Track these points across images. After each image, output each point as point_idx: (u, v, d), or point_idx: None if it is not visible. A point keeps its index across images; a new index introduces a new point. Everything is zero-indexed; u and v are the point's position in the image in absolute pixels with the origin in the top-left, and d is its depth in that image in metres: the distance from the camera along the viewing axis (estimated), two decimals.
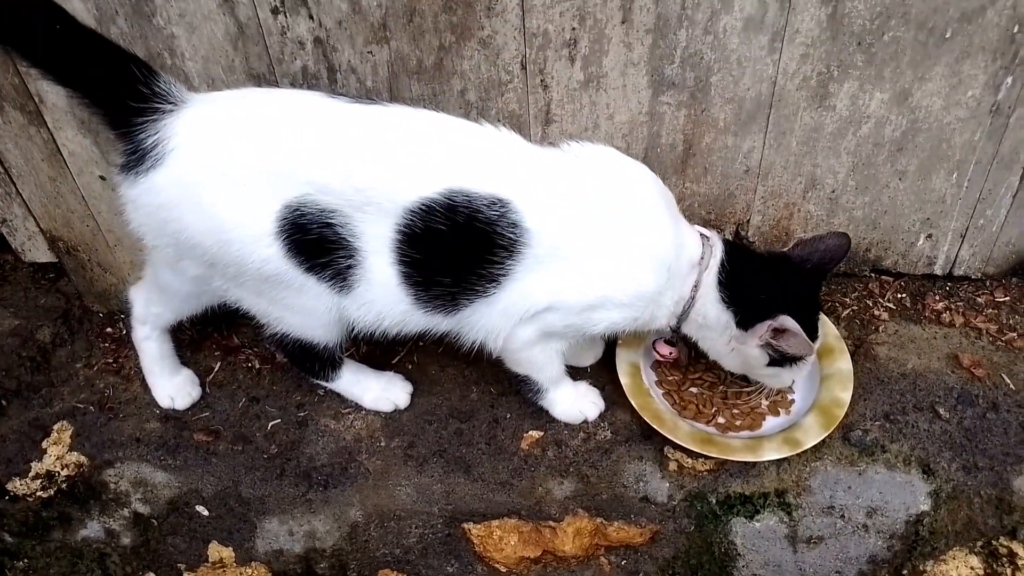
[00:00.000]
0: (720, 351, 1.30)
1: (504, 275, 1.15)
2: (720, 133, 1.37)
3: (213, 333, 1.58)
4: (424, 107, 1.34)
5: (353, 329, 1.25)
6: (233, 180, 1.09)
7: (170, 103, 1.10)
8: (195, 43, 1.26)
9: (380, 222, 1.11)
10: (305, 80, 1.31)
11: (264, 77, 1.31)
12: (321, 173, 1.09)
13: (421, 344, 1.33)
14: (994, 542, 1.34)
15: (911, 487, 1.34)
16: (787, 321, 1.16)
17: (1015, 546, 1.31)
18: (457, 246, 1.12)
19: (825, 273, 1.28)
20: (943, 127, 1.33)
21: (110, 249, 1.52)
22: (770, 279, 1.24)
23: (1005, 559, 1.35)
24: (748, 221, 1.50)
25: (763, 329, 1.20)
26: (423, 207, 1.09)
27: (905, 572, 1.36)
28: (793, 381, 1.36)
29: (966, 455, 1.34)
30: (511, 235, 1.11)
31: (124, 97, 1.08)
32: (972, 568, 1.34)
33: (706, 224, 1.51)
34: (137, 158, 1.10)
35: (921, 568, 1.35)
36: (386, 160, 1.11)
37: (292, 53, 1.28)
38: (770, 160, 1.40)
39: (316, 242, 1.12)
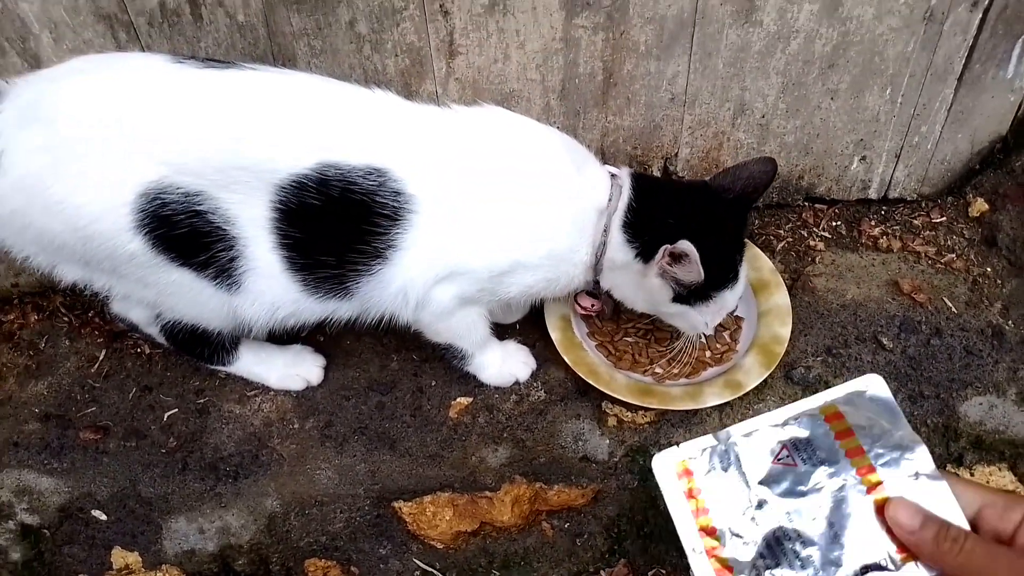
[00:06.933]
0: (628, 293, 1.20)
1: (392, 247, 1.05)
2: (642, 58, 1.25)
3: (94, 318, 1.40)
4: (308, 42, 1.19)
5: (251, 330, 1.15)
6: (78, 169, 0.96)
7: None
8: None
9: (253, 202, 1.00)
10: (165, 18, 1.13)
11: (115, 17, 1.13)
12: (173, 150, 0.96)
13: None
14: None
15: None
16: (683, 244, 1.05)
17: (962, 472, 1.28)
18: (335, 222, 1.02)
19: (749, 203, 1.17)
20: (875, 39, 1.25)
21: None
22: (676, 208, 1.12)
23: None
24: (676, 154, 1.40)
25: (660, 255, 1.09)
26: (294, 184, 0.99)
27: None
28: (707, 324, 1.22)
29: (911, 384, 1.30)
30: (394, 203, 1.01)
31: None
32: None
33: (632, 160, 1.41)
34: None
35: None
36: (247, 133, 0.98)
37: None
38: (696, 86, 1.29)
39: (189, 236, 1.00)
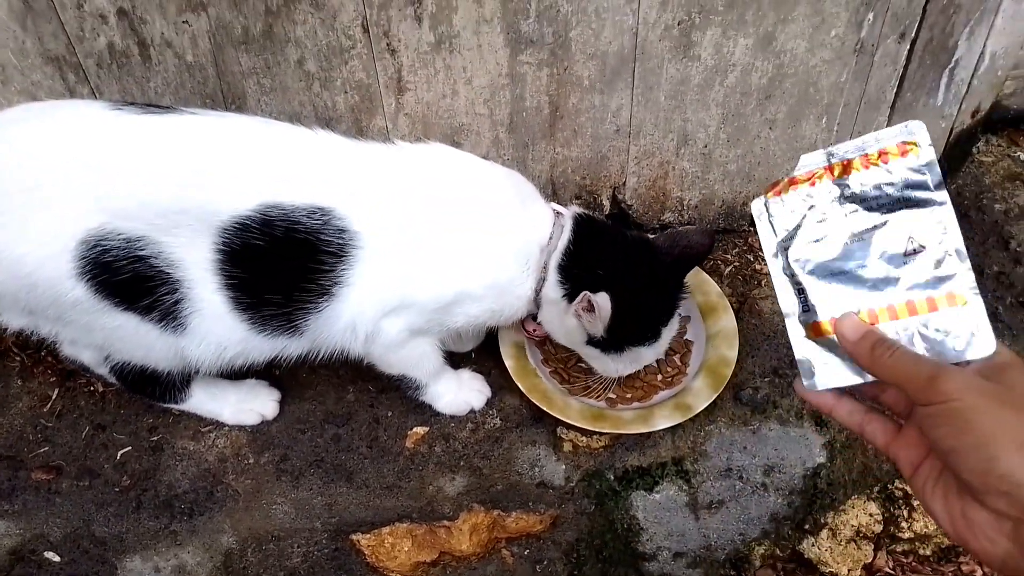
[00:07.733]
0: (553, 327, 1.22)
1: (339, 283, 1.06)
2: (586, 92, 1.29)
3: (47, 357, 1.39)
4: (258, 80, 1.21)
5: (198, 370, 1.15)
6: (19, 217, 0.96)
7: None
8: None
9: (197, 245, 1.01)
10: (114, 59, 1.15)
11: (64, 59, 1.14)
12: (113, 196, 0.97)
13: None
14: (889, 486, 1.35)
15: (805, 441, 1.32)
16: (599, 298, 1.08)
17: (909, 487, 1.31)
18: (281, 261, 1.03)
19: (684, 271, 1.20)
20: (809, 70, 1.30)
21: None
22: (610, 260, 1.15)
23: (901, 500, 1.36)
24: (624, 183, 1.44)
25: (579, 298, 1.11)
26: (237, 225, 1.00)
27: (807, 526, 1.34)
28: (619, 375, 1.26)
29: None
30: (339, 241, 1.03)
31: None
32: (871, 515, 1.34)
33: (582, 190, 1.44)
34: None
35: (823, 520, 1.34)
36: (188, 176, 0.99)
37: (94, 29, 1.11)
38: (640, 118, 1.33)
39: (132, 282, 1.01)
